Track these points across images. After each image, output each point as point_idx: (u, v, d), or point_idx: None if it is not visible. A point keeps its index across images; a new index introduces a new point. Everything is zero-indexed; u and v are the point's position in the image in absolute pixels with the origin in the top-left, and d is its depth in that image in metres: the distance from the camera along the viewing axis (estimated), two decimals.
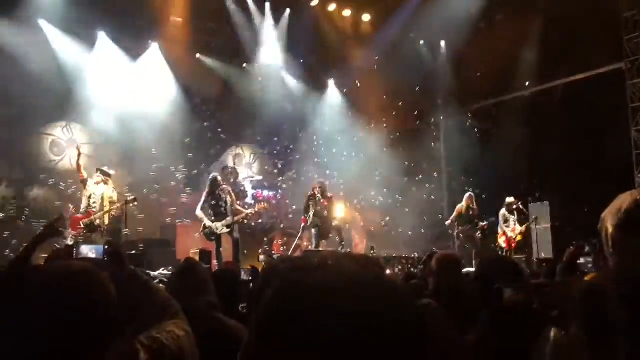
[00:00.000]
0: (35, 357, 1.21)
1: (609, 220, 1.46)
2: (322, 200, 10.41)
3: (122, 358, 1.38)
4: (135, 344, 1.48)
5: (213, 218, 9.63)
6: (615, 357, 1.08)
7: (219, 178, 9.98)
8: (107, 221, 9.10)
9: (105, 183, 9.11)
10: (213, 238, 9.65)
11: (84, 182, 9.13)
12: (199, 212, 9.73)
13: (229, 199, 9.70)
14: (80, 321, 1.25)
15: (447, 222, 11.87)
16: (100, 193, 9.04)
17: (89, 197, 9.01)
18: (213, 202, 9.65)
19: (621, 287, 1.03)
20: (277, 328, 0.80)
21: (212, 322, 2.72)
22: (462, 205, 11.65)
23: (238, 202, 10.32)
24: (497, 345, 2.12)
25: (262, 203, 11.01)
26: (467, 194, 11.83)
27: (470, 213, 11.57)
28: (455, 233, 11.81)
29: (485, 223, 11.67)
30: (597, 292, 1.14)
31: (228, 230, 9.61)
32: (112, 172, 9.46)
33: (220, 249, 9.69)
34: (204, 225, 9.66)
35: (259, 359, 0.82)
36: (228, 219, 9.59)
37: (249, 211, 9.99)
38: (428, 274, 3.77)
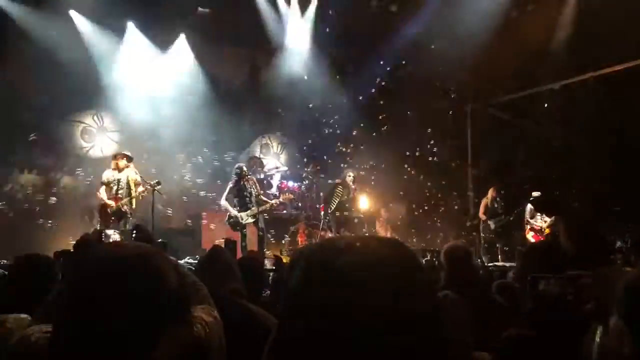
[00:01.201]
0: (106, 333, 1.19)
1: None
2: (354, 188, 10.41)
3: (183, 341, 1.36)
4: (193, 327, 1.48)
5: (238, 208, 9.66)
6: None
7: (245, 168, 10.01)
8: (134, 205, 9.12)
9: (127, 167, 9.05)
10: (238, 228, 9.70)
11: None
12: (223, 202, 9.78)
13: (254, 189, 9.73)
14: (150, 299, 1.24)
15: (482, 217, 11.61)
16: (125, 177, 8.99)
17: (112, 184, 8.93)
18: (238, 192, 9.69)
19: None
20: (306, 309, 0.80)
21: (238, 309, 2.72)
22: (487, 199, 11.51)
23: (262, 192, 10.35)
24: (532, 338, 2.08)
25: (287, 193, 11.02)
26: (491, 187, 11.69)
27: (496, 206, 11.42)
28: (481, 227, 11.65)
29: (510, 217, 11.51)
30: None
31: (253, 220, 9.66)
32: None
33: (246, 239, 9.75)
34: (229, 215, 9.71)
35: (289, 342, 0.81)
36: (253, 208, 9.63)
37: (273, 201, 10.02)
38: (439, 267, 3.74)
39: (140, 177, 9.17)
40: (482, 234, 11.56)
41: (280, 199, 10.38)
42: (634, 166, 12.31)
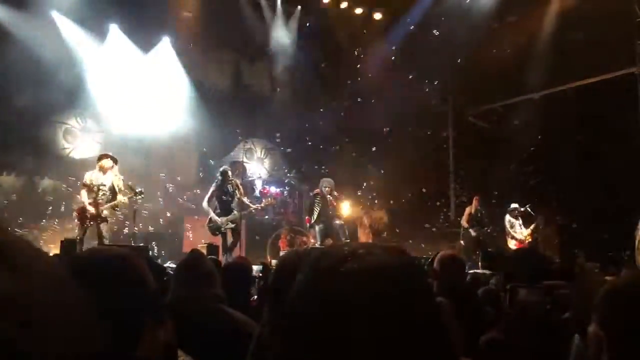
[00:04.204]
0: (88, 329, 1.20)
1: None
2: (330, 199, 10.34)
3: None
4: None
5: (219, 211, 9.56)
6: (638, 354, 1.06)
7: (229, 172, 9.91)
8: (114, 210, 8.87)
9: (112, 169, 8.67)
10: (218, 233, 9.60)
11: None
12: (205, 205, 9.66)
13: (236, 193, 9.65)
14: (132, 299, 1.28)
15: (464, 225, 11.69)
16: (110, 181, 8.63)
17: (94, 187, 8.53)
18: (220, 196, 9.59)
19: None
20: (311, 316, 0.81)
21: (217, 315, 2.70)
22: (470, 208, 11.63)
23: (246, 196, 10.27)
24: (509, 345, 2.11)
25: (269, 199, 10.98)
26: (475, 196, 11.80)
27: (479, 215, 11.53)
28: (462, 234, 11.74)
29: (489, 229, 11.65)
30: (625, 291, 1.12)
31: (233, 225, 9.56)
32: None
33: (227, 244, 9.66)
34: (210, 219, 9.61)
35: (292, 347, 0.82)
36: (235, 213, 9.56)
37: (255, 206, 9.97)
38: (432, 274, 3.77)
39: (124, 182, 8.86)
40: (462, 241, 11.65)
41: (263, 204, 10.32)
42: (613, 175, 12.53)
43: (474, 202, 11.63)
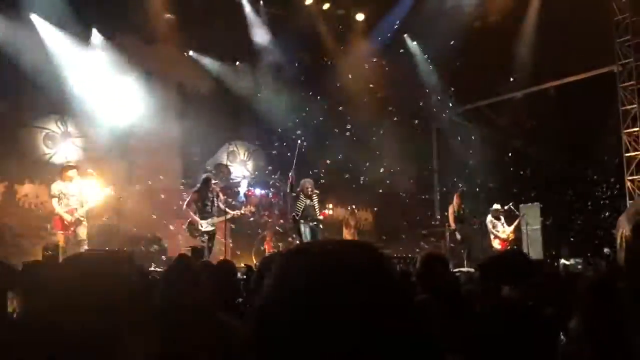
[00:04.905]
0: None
1: (625, 223, 1.45)
2: (313, 200, 10.38)
3: None
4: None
5: (199, 216, 9.64)
6: (620, 347, 1.07)
7: (212, 180, 9.97)
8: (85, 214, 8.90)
9: (75, 178, 8.79)
10: (197, 235, 9.67)
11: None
12: (185, 208, 9.76)
13: (216, 199, 9.75)
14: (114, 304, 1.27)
15: (453, 226, 11.68)
16: (77, 188, 8.77)
17: (62, 196, 8.62)
18: (201, 201, 9.68)
19: (634, 281, 1.02)
20: (280, 310, 0.82)
21: (205, 318, 2.70)
22: (453, 205, 11.67)
23: (230, 200, 10.27)
24: (492, 343, 2.13)
25: (248, 206, 10.97)
26: (456, 193, 11.86)
27: (462, 212, 11.60)
28: (448, 233, 11.78)
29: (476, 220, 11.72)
30: (606, 286, 1.14)
31: (212, 228, 9.63)
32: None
33: (210, 247, 9.70)
34: (189, 221, 9.70)
35: (264, 342, 0.84)
36: (214, 218, 9.64)
37: (233, 212, 10.02)
38: (415, 274, 3.79)
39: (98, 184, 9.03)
40: (448, 241, 11.71)
41: (242, 211, 10.36)
42: (594, 173, 12.71)
43: (455, 199, 11.68)
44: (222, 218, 9.74)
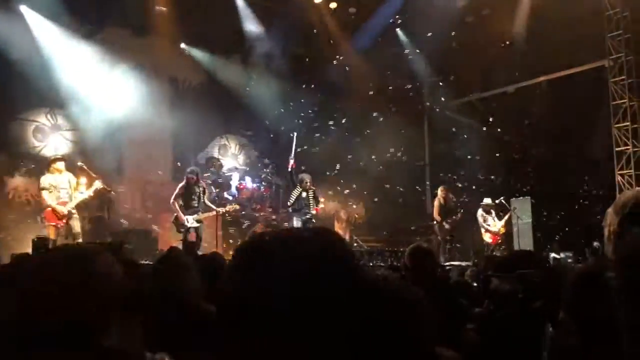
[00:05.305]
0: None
1: (612, 216, 1.46)
2: (308, 192, 10.41)
3: None
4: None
5: (184, 211, 9.67)
6: (609, 340, 1.08)
7: (198, 174, 9.95)
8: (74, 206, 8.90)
9: (63, 170, 8.84)
10: (182, 230, 9.68)
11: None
12: (172, 202, 9.77)
13: (203, 195, 9.78)
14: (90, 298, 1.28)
15: (437, 218, 11.67)
16: (66, 180, 8.78)
17: (52, 189, 8.63)
18: (187, 195, 9.70)
19: (622, 271, 1.02)
20: (232, 296, 0.87)
21: (195, 310, 2.71)
22: (439, 198, 11.63)
23: (222, 193, 10.25)
24: (484, 335, 2.14)
25: (233, 204, 10.98)
26: (441, 187, 11.85)
27: (448, 205, 11.57)
28: (437, 228, 11.73)
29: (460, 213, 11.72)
30: (594, 277, 1.14)
31: (198, 224, 9.66)
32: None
33: (191, 242, 9.74)
34: (175, 216, 9.72)
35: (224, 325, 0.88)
36: (200, 213, 9.68)
37: (218, 209, 10.05)
38: (404, 268, 3.80)
39: (83, 173, 9.04)
40: (438, 235, 11.69)
41: (227, 208, 10.36)
42: (584, 167, 12.77)
43: (440, 192, 11.66)
44: (207, 214, 9.82)
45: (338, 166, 13.57)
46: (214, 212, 9.90)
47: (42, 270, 1.31)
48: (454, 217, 11.44)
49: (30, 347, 1.20)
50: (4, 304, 1.28)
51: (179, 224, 9.68)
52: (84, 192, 8.84)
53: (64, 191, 8.68)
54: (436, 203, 11.68)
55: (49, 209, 8.58)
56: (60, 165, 8.80)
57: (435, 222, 11.65)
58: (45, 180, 8.71)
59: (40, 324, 1.22)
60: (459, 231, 11.79)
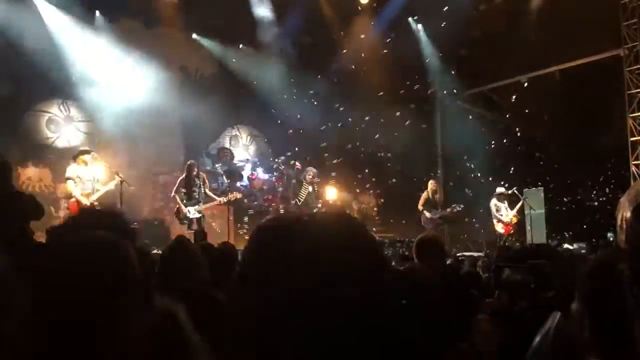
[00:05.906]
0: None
1: (626, 206, 1.42)
2: (314, 187, 10.49)
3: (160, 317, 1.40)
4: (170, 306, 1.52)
5: (185, 202, 9.75)
6: (622, 333, 1.06)
7: (195, 166, 10.03)
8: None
9: (89, 163, 8.98)
10: (185, 222, 9.80)
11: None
12: (174, 194, 9.90)
13: (203, 186, 9.89)
14: (114, 285, 1.29)
15: (419, 208, 11.53)
16: (92, 174, 8.93)
17: (78, 181, 8.75)
18: (187, 188, 9.81)
19: (636, 262, 1.00)
20: (256, 280, 0.85)
21: (204, 299, 2.72)
22: (427, 191, 11.48)
23: (238, 183, 10.29)
24: (496, 325, 2.12)
25: (234, 192, 11.01)
26: (431, 181, 11.73)
27: (432, 198, 11.43)
28: (422, 221, 11.52)
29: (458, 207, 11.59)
30: (608, 267, 1.11)
31: (200, 215, 9.76)
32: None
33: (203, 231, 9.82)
34: (177, 209, 9.83)
35: (241, 312, 0.86)
36: (200, 204, 9.79)
37: (219, 199, 10.11)
38: (410, 257, 3.79)
39: (106, 169, 9.19)
40: (423, 225, 11.42)
41: (228, 198, 10.40)
42: (598, 157, 12.64)
43: (430, 186, 11.49)
44: (208, 204, 9.93)
45: (349, 156, 13.53)
46: (216, 202, 10.00)
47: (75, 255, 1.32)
48: (455, 208, 11.37)
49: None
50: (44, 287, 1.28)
51: (180, 216, 9.81)
52: (106, 185, 9.01)
53: (89, 183, 8.84)
54: (424, 194, 11.49)
55: (74, 199, 8.72)
56: (87, 157, 8.96)
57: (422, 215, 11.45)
58: (71, 170, 8.85)
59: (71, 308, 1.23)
60: (466, 224, 11.71)
